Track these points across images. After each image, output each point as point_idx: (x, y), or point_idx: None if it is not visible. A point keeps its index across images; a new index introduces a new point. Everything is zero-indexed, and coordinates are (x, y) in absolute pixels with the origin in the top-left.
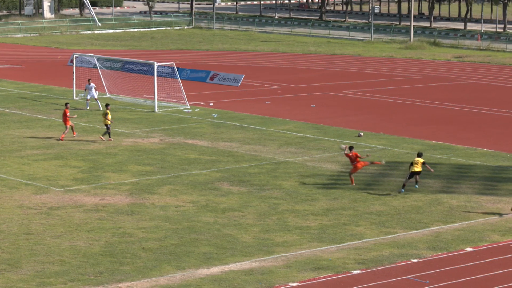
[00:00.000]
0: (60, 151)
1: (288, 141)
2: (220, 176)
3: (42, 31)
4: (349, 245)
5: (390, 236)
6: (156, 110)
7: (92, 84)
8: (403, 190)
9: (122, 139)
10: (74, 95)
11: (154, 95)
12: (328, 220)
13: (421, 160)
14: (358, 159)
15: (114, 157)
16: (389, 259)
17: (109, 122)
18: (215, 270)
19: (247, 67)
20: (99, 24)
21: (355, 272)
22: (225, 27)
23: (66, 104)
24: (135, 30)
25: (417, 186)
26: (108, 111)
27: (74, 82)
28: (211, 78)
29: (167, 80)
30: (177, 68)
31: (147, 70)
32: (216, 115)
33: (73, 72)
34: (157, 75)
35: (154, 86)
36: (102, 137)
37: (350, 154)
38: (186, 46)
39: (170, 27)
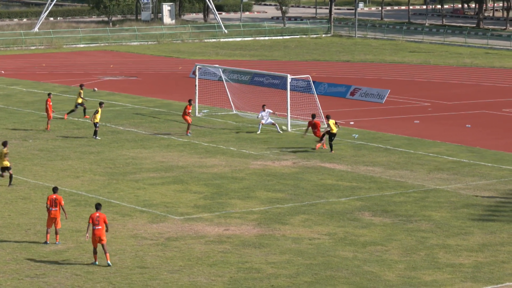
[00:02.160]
0: (180, 174)
1: (439, 166)
2: (361, 205)
3: (161, 39)
4: (508, 286)
5: None
6: (289, 129)
7: (268, 110)
8: None
9: (250, 162)
10: (197, 111)
11: (287, 112)
12: (484, 257)
13: None
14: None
15: (241, 182)
16: None
17: (97, 121)
18: None
19: (393, 81)
20: (225, 31)
21: None
22: (368, 36)
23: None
24: (266, 38)
25: None
26: (100, 109)
27: (197, 97)
28: (352, 94)
29: (301, 95)
30: (313, 82)
31: (279, 83)
32: (357, 135)
33: (195, 85)
34: (290, 90)
35: (287, 102)
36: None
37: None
38: (323, 57)
39: (305, 35)
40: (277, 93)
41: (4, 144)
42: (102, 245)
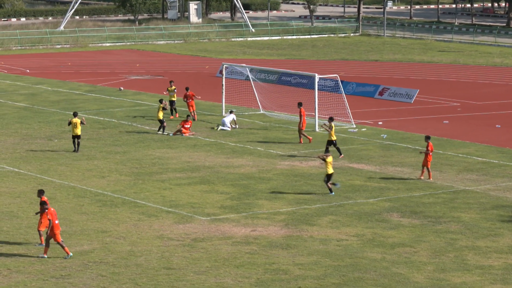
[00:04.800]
0: (206, 174)
1: (469, 167)
2: (389, 206)
3: (187, 38)
4: None
5: None
6: (317, 129)
7: (232, 115)
8: (332, 193)
9: (277, 162)
10: (223, 110)
11: (315, 112)
12: None
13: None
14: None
15: (268, 183)
16: None
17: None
18: None
19: (422, 81)
20: (253, 30)
21: None
22: (397, 35)
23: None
24: (294, 37)
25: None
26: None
27: (224, 96)
28: (381, 93)
29: (329, 95)
30: (342, 81)
31: (307, 83)
32: (385, 135)
33: (222, 85)
34: (318, 89)
35: (315, 101)
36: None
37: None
38: (352, 56)
39: (333, 34)
40: (305, 93)
41: (75, 114)
42: (50, 238)
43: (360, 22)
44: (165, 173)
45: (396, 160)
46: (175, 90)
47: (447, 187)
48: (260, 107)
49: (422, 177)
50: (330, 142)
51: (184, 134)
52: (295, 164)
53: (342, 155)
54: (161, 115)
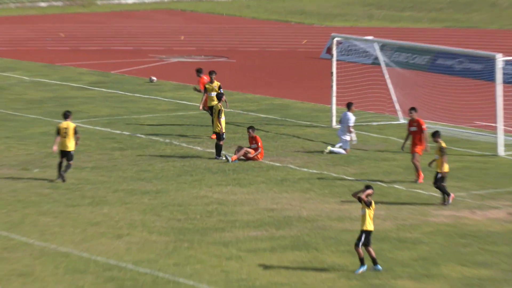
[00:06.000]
0: (304, 233)
1: None
2: None
3: None
4: None
5: None
6: (501, 153)
7: (350, 114)
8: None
9: (430, 211)
10: (333, 119)
11: (496, 122)
12: None
13: None
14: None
15: (414, 248)
16: None
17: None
18: None
19: None
20: None
21: None
22: None
23: None
24: None
25: None
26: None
27: (334, 93)
28: None
29: None
30: None
31: (482, 70)
32: None
33: (331, 73)
34: (503, 82)
35: (496, 102)
36: None
37: None
38: None
39: None
40: (477, 88)
41: (66, 115)
42: None
43: None
44: (229, 229)
45: None
46: (221, 89)
47: None
48: (399, 112)
49: None
50: (441, 178)
51: (251, 155)
52: (461, 215)
53: (450, 201)
54: (223, 123)
